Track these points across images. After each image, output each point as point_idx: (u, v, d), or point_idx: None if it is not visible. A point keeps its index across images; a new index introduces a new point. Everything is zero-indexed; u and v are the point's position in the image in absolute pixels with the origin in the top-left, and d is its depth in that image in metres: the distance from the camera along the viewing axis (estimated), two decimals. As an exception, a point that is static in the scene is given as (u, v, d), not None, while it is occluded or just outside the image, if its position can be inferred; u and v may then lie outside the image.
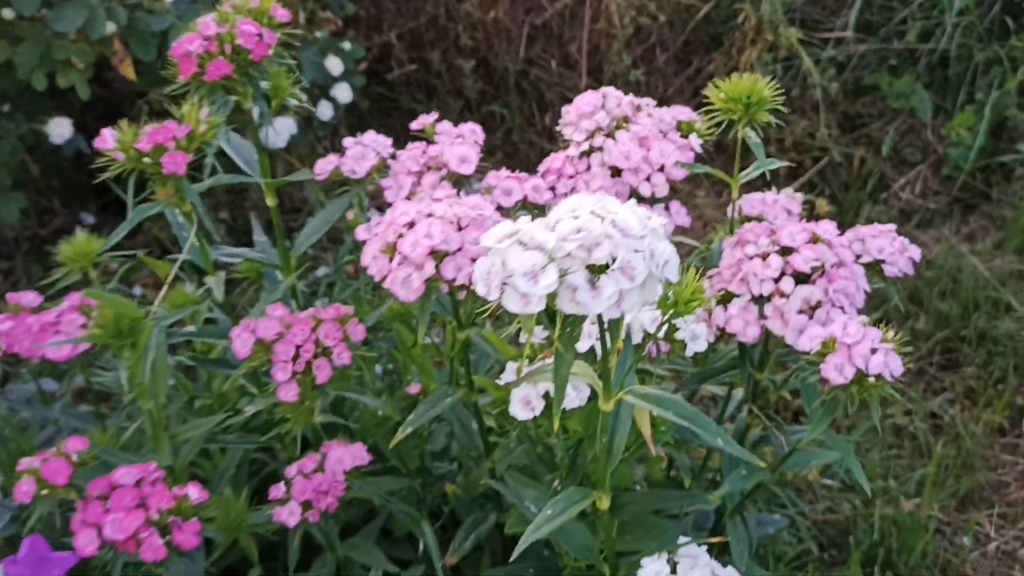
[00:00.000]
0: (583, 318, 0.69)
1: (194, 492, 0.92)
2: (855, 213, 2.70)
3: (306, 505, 1.00)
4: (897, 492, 1.92)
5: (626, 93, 1.14)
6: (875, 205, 2.68)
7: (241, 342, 0.98)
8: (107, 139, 0.91)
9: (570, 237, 0.67)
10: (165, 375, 0.99)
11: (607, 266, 0.67)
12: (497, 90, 3.28)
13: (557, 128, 1.14)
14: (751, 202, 1.17)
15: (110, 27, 1.72)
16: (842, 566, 1.73)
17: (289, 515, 1.00)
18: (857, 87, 2.77)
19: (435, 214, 0.92)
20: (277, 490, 1.02)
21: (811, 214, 2.72)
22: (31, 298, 1.16)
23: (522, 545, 0.77)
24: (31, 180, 2.28)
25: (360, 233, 1.00)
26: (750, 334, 1.00)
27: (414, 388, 1.16)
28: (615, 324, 0.71)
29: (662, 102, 2.84)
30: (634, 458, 0.96)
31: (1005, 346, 2.21)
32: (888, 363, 0.89)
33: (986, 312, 2.29)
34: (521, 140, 3.16)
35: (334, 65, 2.47)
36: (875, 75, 2.67)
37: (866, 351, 0.89)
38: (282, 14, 1.00)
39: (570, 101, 1.14)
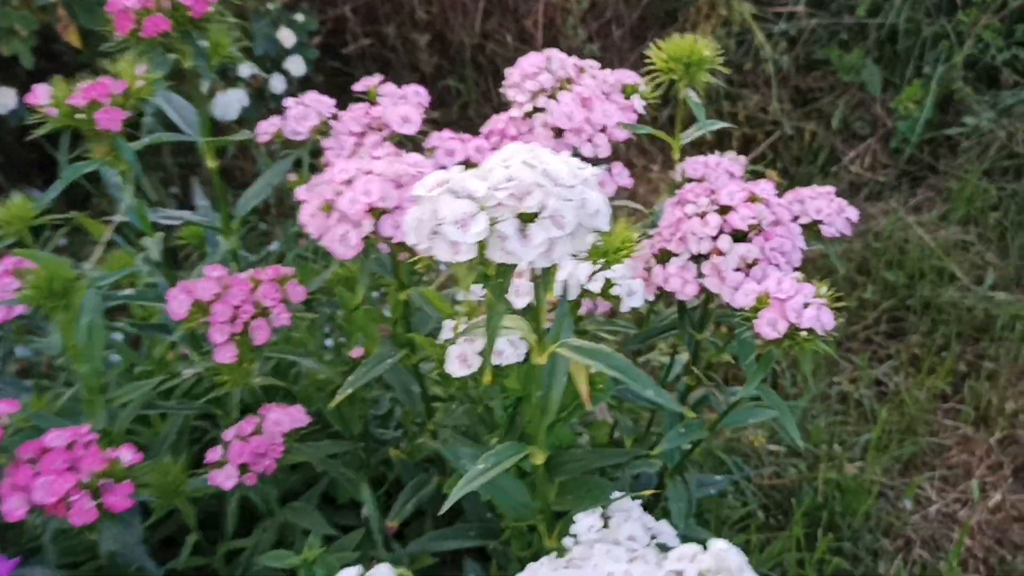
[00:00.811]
0: (513, 267, 0.70)
1: (127, 455, 0.91)
2: (806, 186, 2.73)
3: (243, 468, 1.00)
4: (841, 457, 1.95)
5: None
6: (826, 178, 2.72)
7: (178, 303, 0.97)
8: (40, 95, 0.89)
9: (501, 185, 0.67)
10: (101, 338, 0.98)
11: (537, 215, 0.68)
12: (453, 64, 3.27)
13: (501, 89, 1.14)
14: (694, 164, 1.18)
15: (52, -8, 1.69)
16: (786, 529, 1.76)
17: (226, 478, 0.99)
18: (809, 61, 2.79)
19: (374, 171, 0.91)
20: (214, 453, 1.01)
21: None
22: (-35, 263, 1.14)
23: (452, 499, 0.77)
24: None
25: (300, 193, 1.00)
26: (688, 292, 1.01)
27: (357, 352, 1.16)
28: (547, 274, 0.72)
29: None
30: (572, 417, 0.97)
31: (948, 314, 2.26)
32: (820, 317, 0.90)
33: (931, 281, 2.33)
34: (477, 115, 3.16)
35: (286, 37, 2.44)
36: (826, 49, 2.70)
37: (799, 306, 0.90)
38: (221, -29, 0.99)
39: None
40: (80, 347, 0.96)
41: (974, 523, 1.87)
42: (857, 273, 2.40)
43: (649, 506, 1.00)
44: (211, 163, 1.07)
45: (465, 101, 3.20)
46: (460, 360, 0.90)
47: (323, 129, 1.06)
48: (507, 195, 0.67)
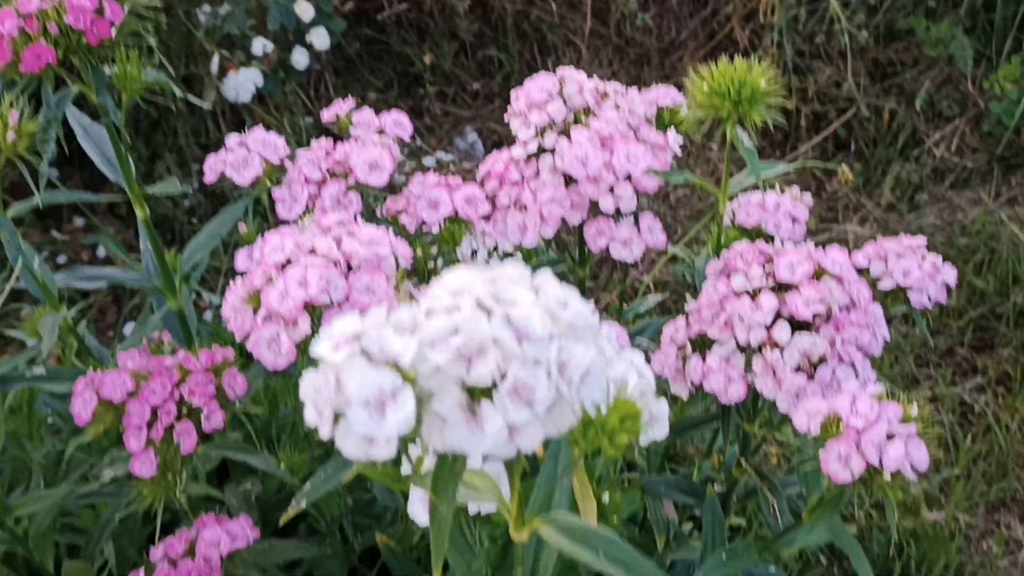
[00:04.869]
0: (463, 459, 0.48)
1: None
2: (883, 171, 2.45)
3: (176, 598, 0.81)
4: (918, 500, 1.71)
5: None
6: (906, 163, 2.43)
7: (82, 402, 0.77)
8: None
9: (439, 343, 0.46)
10: None
11: (493, 387, 0.46)
12: (495, 32, 3.01)
13: (506, 116, 0.92)
14: (747, 207, 0.94)
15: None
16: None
17: (154, 612, 0.81)
18: (890, 32, 2.49)
19: (318, 251, 0.70)
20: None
21: (827, 186, 2.46)
22: None
23: None
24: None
25: (240, 262, 0.79)
26: (733, 394, 0.78)
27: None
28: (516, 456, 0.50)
29: (674, 47, 2.50)
30: None
31: (1047, 326, 1.98)
32: (910, 455, 0.67)
33: (1026, 288, 2.05)
34: (521, 87, 2.90)
35: (304, 10, 2.22)
36: (910, 19, 2.39)
37: (880, 438, 0.67)
38: (134, -21, 0.78)
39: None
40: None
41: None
42: (940, 276, 2.12)
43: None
44: (140, 213, 0.86)
45: (508, 72, 2.95)
46: (424, 503, 0.69)
47: (272, 172, 0.85)
48: (449, 358, 0.45)
